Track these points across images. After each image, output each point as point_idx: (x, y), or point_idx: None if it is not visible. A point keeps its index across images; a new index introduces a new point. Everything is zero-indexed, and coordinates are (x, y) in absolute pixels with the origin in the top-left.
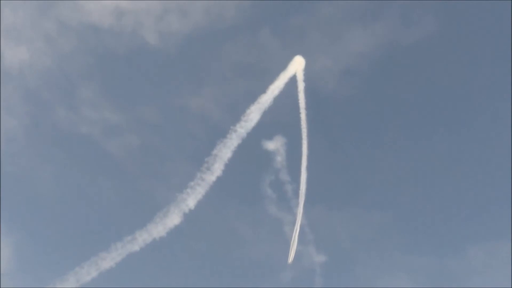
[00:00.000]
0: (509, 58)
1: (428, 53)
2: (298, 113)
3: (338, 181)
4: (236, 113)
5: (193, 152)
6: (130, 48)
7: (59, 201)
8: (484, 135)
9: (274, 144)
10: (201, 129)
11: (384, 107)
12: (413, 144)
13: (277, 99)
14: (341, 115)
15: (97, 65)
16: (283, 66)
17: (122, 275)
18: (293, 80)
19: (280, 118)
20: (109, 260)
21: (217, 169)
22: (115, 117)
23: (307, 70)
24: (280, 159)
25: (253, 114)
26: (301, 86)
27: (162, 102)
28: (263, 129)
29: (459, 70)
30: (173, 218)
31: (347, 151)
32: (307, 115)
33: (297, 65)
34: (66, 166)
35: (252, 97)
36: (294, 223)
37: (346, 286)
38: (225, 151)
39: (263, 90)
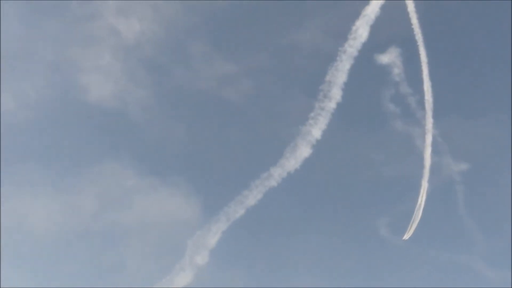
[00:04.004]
0: None
1: None
2: (409, 19)
3: (467, 88)
4: (343, 34)
5: (308, 84)
6: None
7: (193, 155)
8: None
9: (389, 57)
10: (311, 60)
11: None
12: None
13: (384, 8)
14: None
15: (203, 22)
16: None
17: (266, 209)
18: None
19: (391, 28)
20: (251, 197)
21: (335, 94)
22: (228, 67)
23: None
24: (397, 71)
25: (361, 30)
26: None
27: (267, 43)
28: (375, 43)
29: None
30: (302, 151)
31: (475, 53)
32: (420, 19)
33: None
34: (194, 122)
35: (357, 14)
36: (423, 136)
37: (493, 193)
38: (339, 74)
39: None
